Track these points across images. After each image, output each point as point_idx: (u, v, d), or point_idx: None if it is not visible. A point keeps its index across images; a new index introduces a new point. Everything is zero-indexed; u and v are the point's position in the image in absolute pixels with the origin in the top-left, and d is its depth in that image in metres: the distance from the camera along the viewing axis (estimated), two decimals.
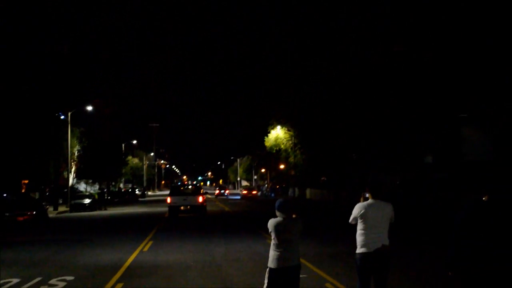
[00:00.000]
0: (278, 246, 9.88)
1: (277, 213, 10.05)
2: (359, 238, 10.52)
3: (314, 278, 15.98)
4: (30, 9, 61.74)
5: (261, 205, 65.91)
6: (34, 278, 17.45)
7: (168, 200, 46.69)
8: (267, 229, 9.99)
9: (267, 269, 9.96)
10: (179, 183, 62.41)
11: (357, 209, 10.53)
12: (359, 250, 10.51)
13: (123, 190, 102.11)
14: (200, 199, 46.20)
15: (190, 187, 51.04)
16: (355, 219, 10.58)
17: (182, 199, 46.19)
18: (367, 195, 10.73)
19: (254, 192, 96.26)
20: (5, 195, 47.23)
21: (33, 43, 63.16)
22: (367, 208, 10.43)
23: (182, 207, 45.99)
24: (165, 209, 51.98)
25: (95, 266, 19.78)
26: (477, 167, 42.76)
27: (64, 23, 74.48)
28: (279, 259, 9.82)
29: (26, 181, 67.09)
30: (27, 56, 60.80)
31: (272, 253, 9.92)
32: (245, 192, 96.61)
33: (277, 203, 10.18)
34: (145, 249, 24.34)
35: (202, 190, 49.20)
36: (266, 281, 9.93)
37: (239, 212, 53.92)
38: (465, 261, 8.20)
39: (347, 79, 58.47)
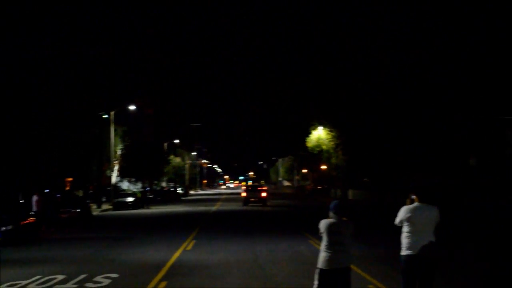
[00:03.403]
0: (329, 248, 9.85)
1: (331, 214, 10.01)
2: (404, 240, 10.51)
3: (358, 280, 15.89)
4: (73, 9, 62.46)
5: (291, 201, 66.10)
6: (79, 275, 17.68)
7: (243, 194, 67.52)
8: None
9: (317, 270, 9.94)
10: (250, 183, 78.66)
11: (403, 212, 10.51)
12: (404, 252, 10.49)
13: (165, 189, 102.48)
14: (264, 194, 65.91)
15: (257, 187, 72.66)
16: (401, 221, 10.56)
17: (252, 193, 66.05)
18: (413, 197, 10.70)
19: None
20: (58, 195, 47.88)
21: (77, 43, 63.81)
22: (414, 211, 10.41)
23: (252, 199, 65.25)
24: (208, 208, 60.13)
25: (138, 264, 19.96)
26: None
27: (108, 23, 75.22)
28: (330, 260, 9.79)
29: (70, 179, 67.76)
30: (71, 56, 61.41)
31: (323, 254, 9.89)
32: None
33: (332, 204, 10.15)
34: (188, 247, 24.47)
35: (264, 187, 72.78)
36: (316, 282, 9.90)
37: (280, 212, 53.83)
38: None
39: (389, 80, 57.95)
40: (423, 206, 10.50)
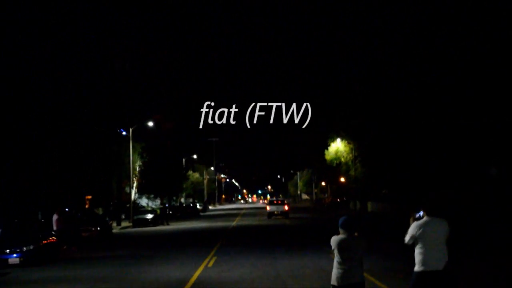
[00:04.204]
0: (341, 264, 9.90)
1: (340, 231, 10.07)
2: (418, 257, 10.44)
3: None
4: (90, 26, 62.73)
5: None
6: None
7: (268, 208, 71.63)
8: (329, 243, 10.02)
9: (331, 287, 9.98)
10: (268, 197, 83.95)
11: (414, 229, 10.46)
12: (417, 268, 10.42)
13: (184, 205, 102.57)
14: (286, 207, 70.97)
15: (280, 200, 76.87)
16: (413, 238, 10.49)
17: (276, 207, 71.22)
18: (417, 214, 10.67)
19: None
20: (79, 214, 48.10)
21: (94, 60, 64.08)
22: (424, 226, 10.37)
23: (275, 212, 70.36)
24: (228, 223, 59.92)
25: (161, 282, 20.05)
26: None
27: (124, 40, 75.65)
28: (342, 276, 9.83)
29: (90, 197, 67.98)
30: (88, 73, 61.68)
31: (335, 271, 9.94)
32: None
33: (340, 221, 10.21)
34: (210, 264, 24.53)
35: (286, 201, 76.66)
36: None
37: (299, 226, 53.75)
38: None
39: (406, 91, 57.54)
40: (432, 220, 10.46)
